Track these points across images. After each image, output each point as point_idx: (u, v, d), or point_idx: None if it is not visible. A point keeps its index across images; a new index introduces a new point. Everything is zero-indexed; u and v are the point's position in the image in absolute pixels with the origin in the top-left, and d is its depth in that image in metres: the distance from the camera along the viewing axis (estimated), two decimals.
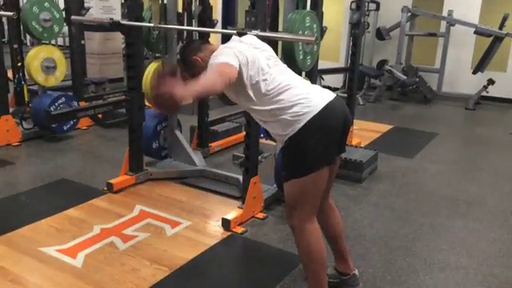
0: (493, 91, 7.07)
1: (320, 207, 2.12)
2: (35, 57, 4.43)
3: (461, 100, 7.21)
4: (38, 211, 3.06)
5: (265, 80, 1.97)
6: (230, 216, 2.96)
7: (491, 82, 6.95)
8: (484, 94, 7.07)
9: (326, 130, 1.93)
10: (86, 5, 5.85)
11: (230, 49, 1.99)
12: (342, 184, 3.70)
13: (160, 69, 1.90)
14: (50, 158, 4.13)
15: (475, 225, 3.17)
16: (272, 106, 1.96)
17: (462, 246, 2.86)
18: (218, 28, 5.64)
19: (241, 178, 3.23)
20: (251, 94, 1.97)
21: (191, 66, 2.16)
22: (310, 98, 1.94)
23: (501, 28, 6.63)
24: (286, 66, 2.15)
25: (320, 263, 2.04)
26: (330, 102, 1.95)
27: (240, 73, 1.93)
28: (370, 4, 7.47)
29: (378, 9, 7.74)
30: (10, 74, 4.94)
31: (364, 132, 5.25)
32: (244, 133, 3.11)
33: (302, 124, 1.90)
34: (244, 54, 1.97)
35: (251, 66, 1.96)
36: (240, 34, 2.61)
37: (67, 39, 6.34)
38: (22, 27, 4.67)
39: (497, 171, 4.29)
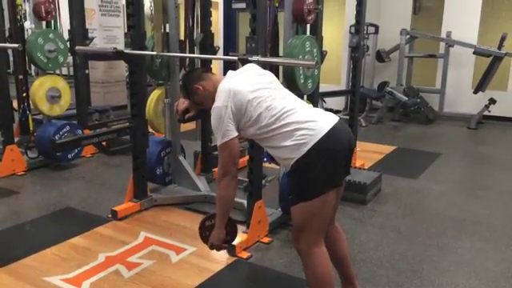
0: (494, 110, 7.10)
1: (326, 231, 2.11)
2: (40, 87, 4.49)
3: (463, 120, 7.23)
4: (43, 240, 3.06)
5: (268, 107, 2.00)
6: (235, 241, 2.93)
7: (492, 101, 6.98)
8: (486, 113, 7.10)
9: (332, 153, 1.94)
10: (89, 35, 5.96)
11: (225, 103, 2.02)
12: (347, 206, 3.69)
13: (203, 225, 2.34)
14: (55, 186, 4.14)
15: (482, 245, 3.14)
16: (277, 132, 1.98)
17: (470, 267, 2.83)
18: (220, 54, 5.73)
19: (245, 202, 3.22)
20: (256, 125, 2.02)
21: (193, 94, 2.26)
22: (316, 121, 1.96)
23: (499, 48, 6.69)
24: (288, 90, 2.18)
25: (328, 287, 2.02)
26: (335, 124, 1.97)
27: (239, 118, 2.03)
28: (369, 27, 7.57)
29: (377, 32, 7.84)
30: (15, 103, 5.00)
31: (367, 153, 5.25)
32: (247, 157, 3.12)
33: (308, 147, 1.91)
34: (242, 90, 2.02)
35: (252, 97, 2.01)
36: (241, 60, 2.66)
37: (71, 69, 6.43)
38: (27, 58, 4.74)
39: (502, 190, 4.27)
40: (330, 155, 1.93)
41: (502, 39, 6.61)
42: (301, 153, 1.92)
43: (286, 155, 1.99)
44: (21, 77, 5.03)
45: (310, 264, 2.03)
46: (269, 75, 2.19)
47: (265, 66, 2.52)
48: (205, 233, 2.29)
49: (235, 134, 2.05)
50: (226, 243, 2.31)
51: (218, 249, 2.28)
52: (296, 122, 1.96)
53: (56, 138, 4.41)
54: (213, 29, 4.08)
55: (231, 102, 2.02)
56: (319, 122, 1.96)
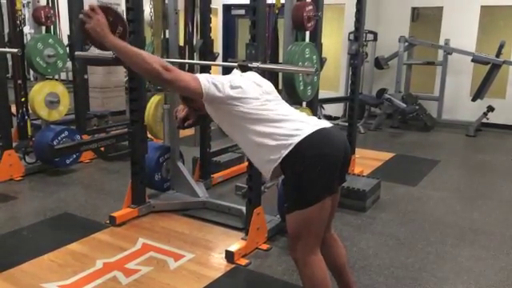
0: (493, 118, 7.11)
1: (322, 239, 2.10)
2: (39, 92, 4.49)
3: (461, 127, 7.24)
4: (40, 246, 3.04)
5: (261, 110, 1.99)
6: (234, 248, 2.93)
7: (491, 108, 7.00)
8: (484, 120, 7.11)
9: (327, 160, 1.93)
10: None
11: (224, 77, 2.02)
12: (346, 213, 3.68)
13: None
14: (53, 192, 4.12)
15: (482, 253, 3.13)
16: (267, 131, 1.96)
17: (470, 275, 2.82)
18: (219, 61, 5.74)
19: (244, 208, 3.21)
20: (243, 120, 1.99)
21: (191, 100, 2.20)
22: (306, 122, 1.97)
23: (498, 56, 6.71)
24: (284, 102, 2.17)
25: None
26: (326, 128, 1.97)
27: (225, 99, 1.95)
28: (368, 34, 7.60)
29: (375, 39, 7.87)
30: (13, 108, 4.99)
31: (366, 160, 5.25)
32: (246, 163, 3.11)
33: (293, 145, 1.90)
34: (238, 81, 2.01)
35: (244, 95, 1.98)
36: (241, 66, 2.66)
37: (70, 74, 6.43)
38: (26, 63, 4.74)
39: (500, 198, 4.27)
40: (325, 162, 1.92)
41: (501, 47, 6.64)
42: (286, 152, 1.91)
43: (268, 156, 1.97)
44: (20, 82, 5.01)
45: (307, 272, 2.01)
46: (268, 85, 2.18)
47: (264, 72, 2.52)
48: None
49: (207, 87, 1.92)
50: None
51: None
52: (288, 127, 1.95)
53: (54, 143, 4.40)
54: (212, 35, 4.08)
55: (235, 76, 2.03)
56: (310, 123, 1.97)
